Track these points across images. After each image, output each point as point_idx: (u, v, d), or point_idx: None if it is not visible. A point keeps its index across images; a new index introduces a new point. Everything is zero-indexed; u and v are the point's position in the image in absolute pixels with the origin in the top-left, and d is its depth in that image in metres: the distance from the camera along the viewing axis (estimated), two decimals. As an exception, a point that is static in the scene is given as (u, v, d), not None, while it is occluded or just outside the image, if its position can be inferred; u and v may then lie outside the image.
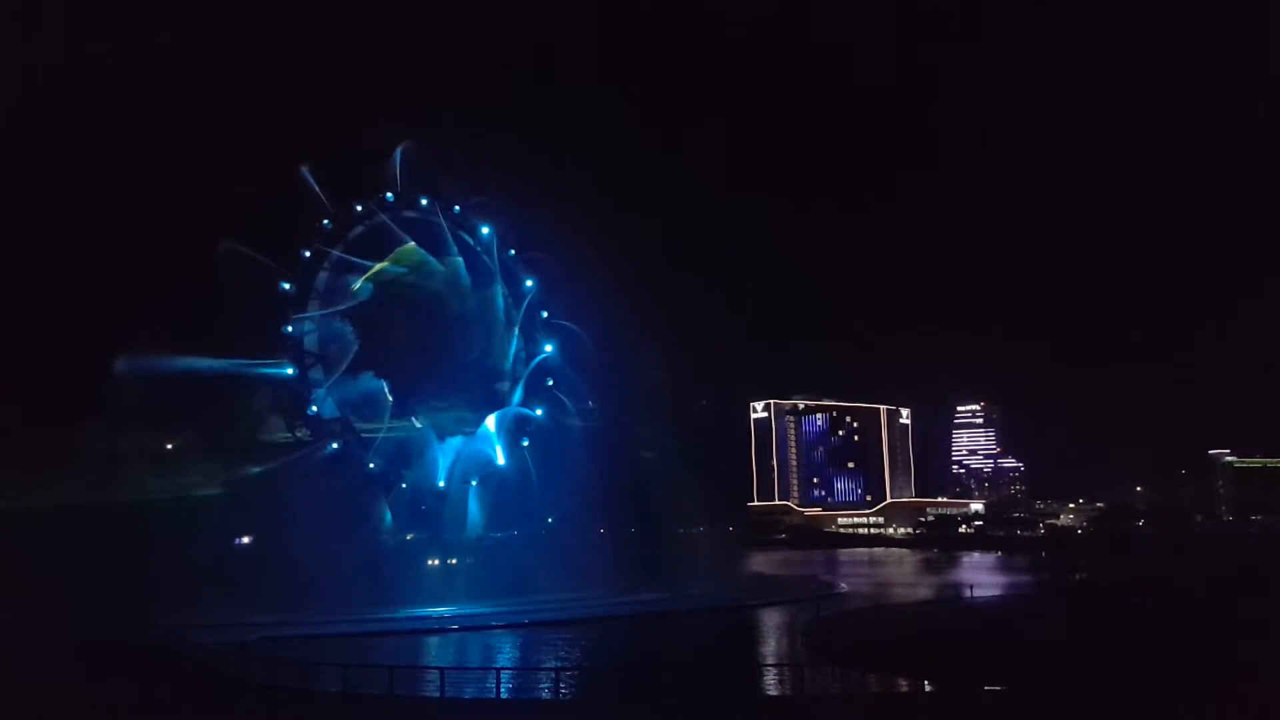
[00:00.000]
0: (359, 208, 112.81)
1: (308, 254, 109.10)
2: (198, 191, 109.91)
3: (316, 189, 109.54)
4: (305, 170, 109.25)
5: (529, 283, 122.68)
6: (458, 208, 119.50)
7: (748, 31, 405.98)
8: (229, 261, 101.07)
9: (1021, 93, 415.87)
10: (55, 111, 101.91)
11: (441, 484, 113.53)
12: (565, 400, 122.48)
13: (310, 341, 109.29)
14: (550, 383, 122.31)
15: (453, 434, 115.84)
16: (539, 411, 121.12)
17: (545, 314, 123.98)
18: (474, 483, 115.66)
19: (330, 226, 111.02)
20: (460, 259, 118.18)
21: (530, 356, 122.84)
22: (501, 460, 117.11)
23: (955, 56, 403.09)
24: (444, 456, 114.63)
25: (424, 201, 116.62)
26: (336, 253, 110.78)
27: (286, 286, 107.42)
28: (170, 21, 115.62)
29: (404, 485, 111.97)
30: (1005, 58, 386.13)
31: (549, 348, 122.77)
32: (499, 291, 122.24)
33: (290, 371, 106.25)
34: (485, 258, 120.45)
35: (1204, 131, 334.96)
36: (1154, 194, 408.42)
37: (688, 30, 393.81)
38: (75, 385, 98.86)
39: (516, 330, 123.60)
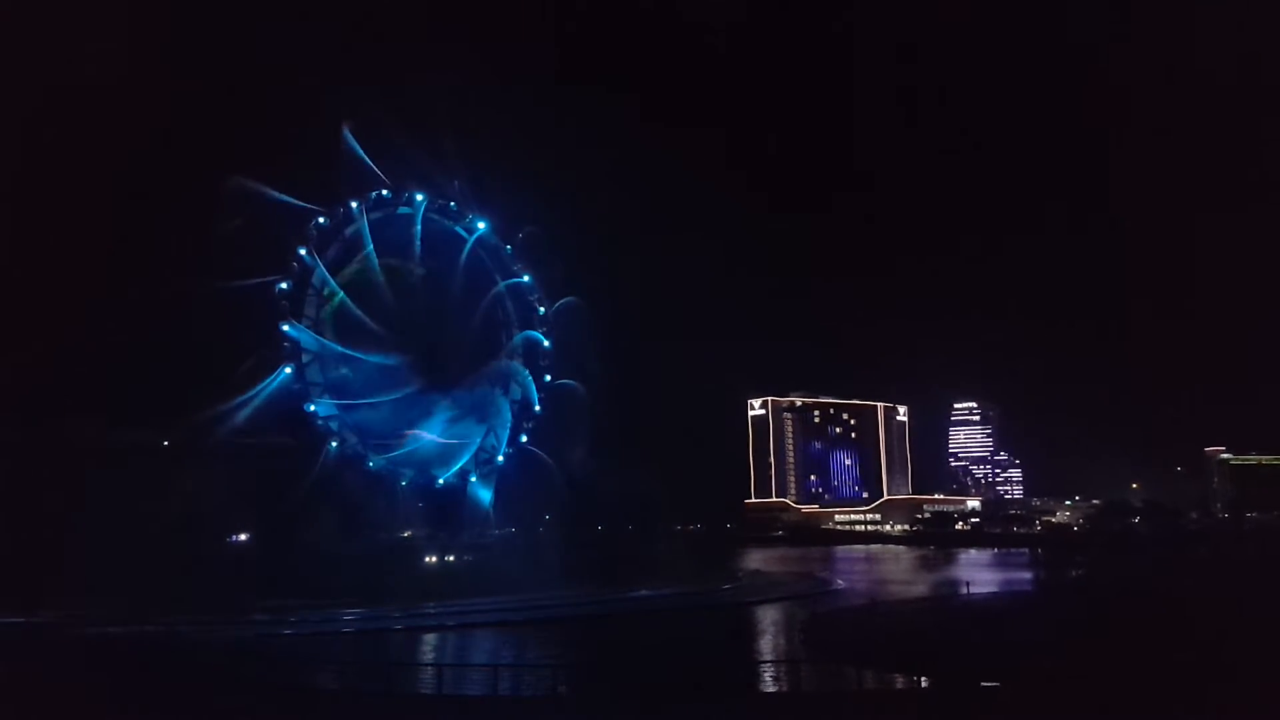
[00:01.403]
0: (354, 204, 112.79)
1: (303, 252, 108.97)
2: (191, 193, 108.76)
3: (273, 194, 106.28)
4: (243, 179, 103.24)
5: (526, 278, 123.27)
6: (454, 204, 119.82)
7: (744, 28, 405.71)
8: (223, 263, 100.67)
9: (1023, 90, 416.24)
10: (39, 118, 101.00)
11: (441, 482, 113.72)
12: (574, 385, 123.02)
13: (307, 340, 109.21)
14: (549, 379, 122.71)
15: (453, 432, 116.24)
16: (538, 408, 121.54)
17: (542, 310, 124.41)
18: (473, 478, 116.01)
19: (327, 224, 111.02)
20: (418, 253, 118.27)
21: (528, 351, 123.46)
22: (500, 458, 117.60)
23: (953, 50, 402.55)
24: (445, 454, 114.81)
25: (419, 197, 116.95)
26: (325, 260, 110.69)
27: (284, 286, 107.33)
28: (158, 18, 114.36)
29: (404, 484, 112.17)
30: (1003, 50, 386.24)
31: (547, 344, 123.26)
32: (496, 285, 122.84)
33: (288, 370, 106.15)
34: (481, 252, 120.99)
35: (1202, 127, 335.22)
36: (1154, 191, 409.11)
37: (687, 28, 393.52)
38: (71, 384, 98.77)
39: (514, 326, 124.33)
